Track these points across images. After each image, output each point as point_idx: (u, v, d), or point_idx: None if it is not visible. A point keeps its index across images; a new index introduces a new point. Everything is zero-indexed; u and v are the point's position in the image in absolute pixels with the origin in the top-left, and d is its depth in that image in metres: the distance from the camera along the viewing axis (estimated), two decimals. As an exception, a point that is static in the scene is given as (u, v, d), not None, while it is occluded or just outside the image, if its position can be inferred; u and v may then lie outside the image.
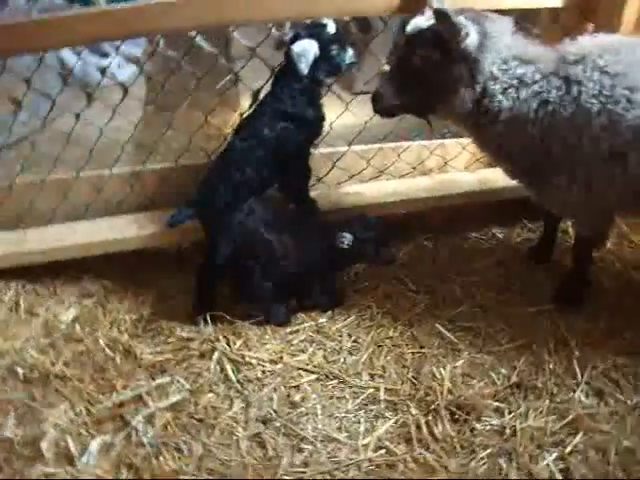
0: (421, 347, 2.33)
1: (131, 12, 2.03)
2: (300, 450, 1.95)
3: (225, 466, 1.88)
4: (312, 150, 2.53)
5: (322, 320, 2.46)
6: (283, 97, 2.25)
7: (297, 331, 2.41)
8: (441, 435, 1.96)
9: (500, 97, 1.95)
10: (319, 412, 2.07)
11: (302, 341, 2.37)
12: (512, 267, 2.66)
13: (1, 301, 2.48)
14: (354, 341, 2.37)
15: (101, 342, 2.31)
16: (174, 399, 2.07)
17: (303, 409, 2.08)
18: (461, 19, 1.84)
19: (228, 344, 2.31)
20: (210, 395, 2.12)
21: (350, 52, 2.30)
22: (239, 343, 2.32)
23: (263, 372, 2.22)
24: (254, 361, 2.25)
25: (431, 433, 1.98)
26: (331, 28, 2.24)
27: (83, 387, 2.12)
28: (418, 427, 2.01)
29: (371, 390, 2.15)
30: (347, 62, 2.31)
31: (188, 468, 1.85)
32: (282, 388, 2.16)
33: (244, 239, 2.22)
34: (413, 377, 2.19)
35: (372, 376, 2.22)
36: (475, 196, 2.68)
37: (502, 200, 2.58)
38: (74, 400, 2.07)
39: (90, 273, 2.64)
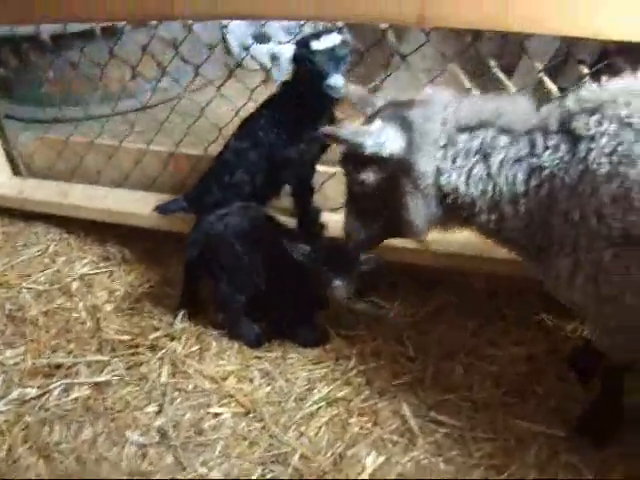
0: (374, 424, 2.05)
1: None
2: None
3: (97, 462, 1.95)
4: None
5: (291, 355, 2.33)
6: (284, 102, 2.16)
7: (261, 358, 2.33)
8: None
9: (464, 189, 1.64)
10: (218, 450, 1.99)
11: (259, 370, 2.28)
12: (544, 368, 2.14)
13: (36, 243, 2.93)
14: (308, 389, 2.19)
15: (82, 304, 2.56)
16: (99, 379, 2.21)
17: (205, 439, 2.02)
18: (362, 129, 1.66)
19: (184, 346, 2.35)
20: (134, 389, 2.19)
21: (335, 80, 1.97)
22: (195, 349, 2.35)
23: (195, 387, 2.21)
24: (193, 372, 2.25)
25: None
26: (327, 40, 1.97)
27: (45, 340, 2.39)
28: (301, 513, 1.80)
29: (287, 449, 1.98)
30: (329, 88, 2.00)
31: (61, 447, 1.96)
32: (201, 410, 2.12)
33: (208, 240, 2.22)
34: (339, 455, 1.95)
35: (300, 435, 2.04)
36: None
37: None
38: (29, 348, 2.36)
39: (120, 239, 2.93)
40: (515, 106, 1.62)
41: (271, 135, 2.19)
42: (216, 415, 2.11)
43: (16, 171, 3.11)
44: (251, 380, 2.24)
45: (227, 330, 2.39)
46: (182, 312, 2.46)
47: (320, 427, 2.05)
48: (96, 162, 2.88)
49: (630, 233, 1.42)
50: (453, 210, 1.72)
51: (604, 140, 1.41)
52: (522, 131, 1.55)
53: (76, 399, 2.14)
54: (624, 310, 1.55)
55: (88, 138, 2.92)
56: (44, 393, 2.16)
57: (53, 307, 2.56)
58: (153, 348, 2.34)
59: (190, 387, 2.20)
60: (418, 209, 1.72)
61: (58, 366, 2.27)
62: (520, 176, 1.56)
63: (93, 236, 2.96)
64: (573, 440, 1.88)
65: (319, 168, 2.45)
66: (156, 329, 2.43)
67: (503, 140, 1.59)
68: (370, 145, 1.68)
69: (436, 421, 2.03)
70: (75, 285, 2.68)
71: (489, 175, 1.60)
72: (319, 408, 2.12)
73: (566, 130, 1.49)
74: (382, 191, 1.77)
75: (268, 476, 1.91)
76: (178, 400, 2.15)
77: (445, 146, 1.64)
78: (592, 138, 1.44)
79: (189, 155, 2.68)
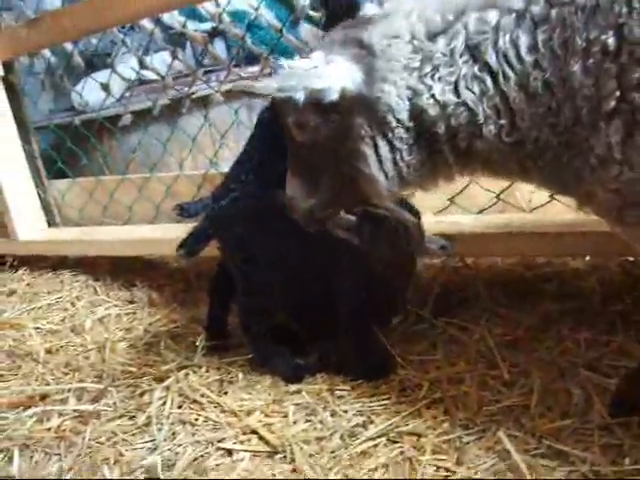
0: (458, 463, 1.41)
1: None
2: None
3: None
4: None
5: (341, 387, 1.78)
6: None
7: (300, 391, 1.79)
8: None
9: (455, 99, 1.22)
10: (223, 494, 1.42)
11: (296, 405, 1.73)
12: None
13: (60, 290, 2.72)
14: (361, 424, 1.61)
15: (91, 339, 2.22)
16: (85, 408, 1.76)
17: (207, 480, 1.46)
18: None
19: (202, 377, 1.88)
20: (127, 421, 1.71)
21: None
22: (214, 379, 1.86)
23: (206, 420, 1.69)
24: (208, 403, 1.75)
25: None
26: None
27: (39, 372, 2.04)
28: None
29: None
30: None
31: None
32: (209, 446, 1.58)
33: (215, 228, 1.83)
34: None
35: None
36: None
37: None
38: (30, 379, 2.02)
39: (148, 283, 2.63)
40: None
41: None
42: (229, 453, 1.56)
43: (52, 222, 3.01)
44: (284, 415, 1.69)
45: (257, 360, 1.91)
46: (203, 340, 2.05)
47: (376, 469, 1.44)
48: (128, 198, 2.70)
49: None
50: (445, 144, 1.29)
51: None
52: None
53: (49, 429, 1.68)
54: None
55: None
56: (19, 419, 1.75)
57: (60, 344, 2.23)
58: (161, 379, 1.88)
59: (200, 420, 1.69)
60: (384, 159, 1.31)
61: (44, 396, 1.87)
62: (524, 40, 1.14)
63: (120, 282, 2.69)
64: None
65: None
66: (171, 362, 1.99)
67: (491, 16, 1.18)
68: (304, 99, 1.29)
69: (553, 454, 1.37)
70: (89, 324, 2.35)
71: (485, 66, 1.18)
72: (376, 445, 1.52)
73: None
74: (333, 139, 1.34)
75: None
76: (181, 435, 1.64)
77: (420, 66, 1.25)
78: None
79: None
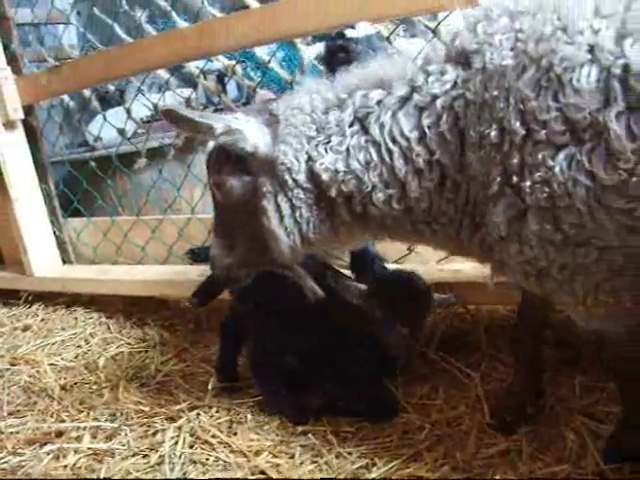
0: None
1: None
2: None
3: None
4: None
5: (346, 429, 1.89)
6: None
7: (306, 433, 1.90)
8: None
9: (344, 167, 1.39)
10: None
11: (302, 446, 1.85)
12: None
13: (74, 326, 2.86)
14: (364, 467, 1.72)
15: (105, 378, 2.33)
16: (100, 446, 1.87)
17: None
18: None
19: (212, 417, 1.99)
20: (140, 460, 1.82)
21: None
22: (224, 420, 1.98)
23: (217, 460, 1.80)
24: (218, 444, 1.86)
25: None
26: (363, 29, 1.92)
27: (54, 410, 2.16)
28: None
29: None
30: None
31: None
32: (221, 485, 1.69)
33: (224, 280, 1.94)
34: None
35: (350, 521, 1.54)
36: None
37: None
38: (34, 417, 2.13)
39: (160, 322, 2.76)
40: (389, 61, 1.43)
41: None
42: (240, 493, 1.67)
43: (66, 259, 3.16)
44: (291, 456, 1.80)
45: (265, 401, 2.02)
46: (214, 382, 2.16)
47: (375, 514, 1.55)
48: (142, 238, 2.85)
49: (572, 120, 1.10)
50: (341, 207, 1.45)
51: (498, 37, 1.20)
52: (398, 78, 1.34)
53: (66, 466, 1.80)
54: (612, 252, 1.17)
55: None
56: (35, 456, 1.86)
57: (74, 381, 2.35)
58: (173, 419, 2.00)
59: (211, 460, 1.80)
60: (284, 215, 1.47)
61: (60, 434, 1.98)
62: (405, 121, 1.30)
63: (133, 320, 2.82)
64: None
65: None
66: (183, 402, 2.11)
67: (376, 94, 1.37)
68: (221, 130, 1.47)
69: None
70: (103, 362, 2.47)
71: (370, 140, 1.35)
72: (376, 488, 1.63)
73: (454, 52, 1.28)
74: (244, 198, 1.54)
75: None
76: (192, 474, 1.75)
77: (316, 135, 1.44)
78: (488, 44, 1.22)
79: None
